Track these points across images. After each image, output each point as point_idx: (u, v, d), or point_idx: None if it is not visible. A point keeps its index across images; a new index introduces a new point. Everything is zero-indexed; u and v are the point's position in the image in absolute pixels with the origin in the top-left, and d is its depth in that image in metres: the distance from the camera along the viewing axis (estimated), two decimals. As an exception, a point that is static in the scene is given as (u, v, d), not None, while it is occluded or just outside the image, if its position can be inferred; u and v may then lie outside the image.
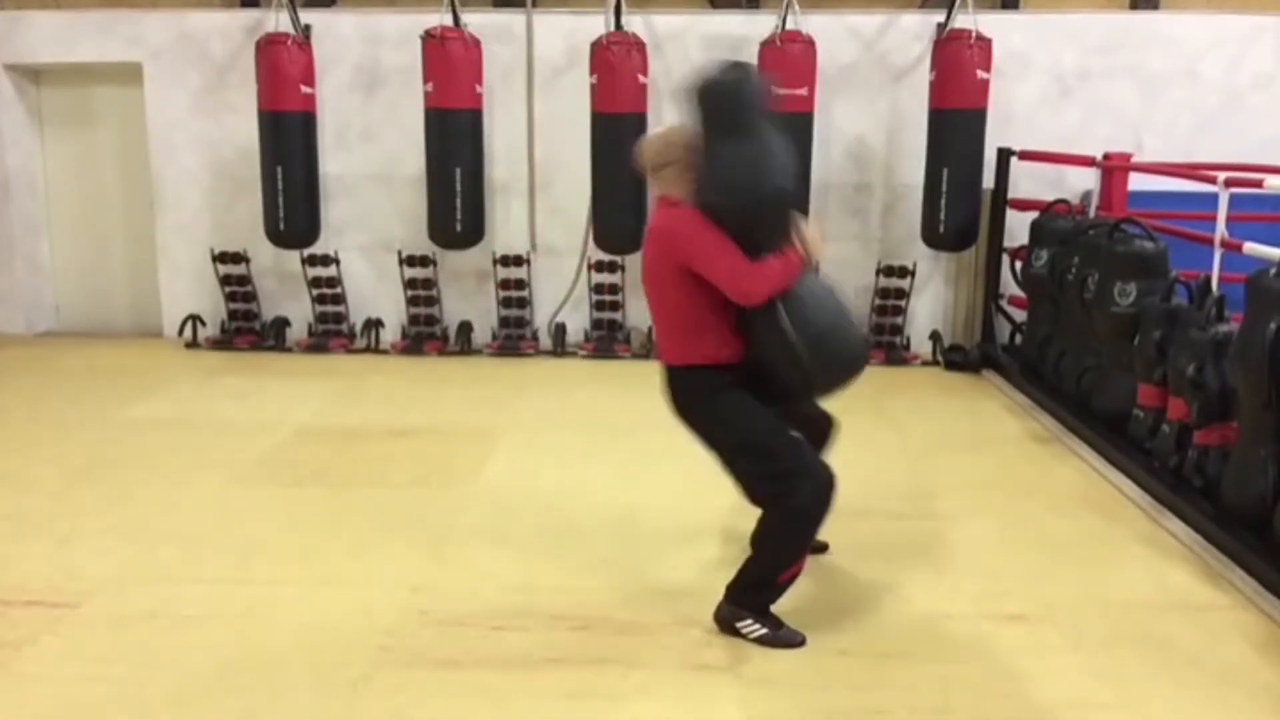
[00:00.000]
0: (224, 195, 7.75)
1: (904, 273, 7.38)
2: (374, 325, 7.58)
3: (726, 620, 3.42)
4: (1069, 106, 7.41)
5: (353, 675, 3.17)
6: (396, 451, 5.33)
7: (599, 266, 7.43)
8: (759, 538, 3.36)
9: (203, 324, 7.70)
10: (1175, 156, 7.04)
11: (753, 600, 3.39)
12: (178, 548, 4.09)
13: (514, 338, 7.55)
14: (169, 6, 7.57)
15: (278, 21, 7.12)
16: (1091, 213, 6.61)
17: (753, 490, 3.36)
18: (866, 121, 7.47)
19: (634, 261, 7.46)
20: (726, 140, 3.25)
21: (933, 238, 7.12)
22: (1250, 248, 4.56)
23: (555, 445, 5.44)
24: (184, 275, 7.84)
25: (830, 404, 3.75)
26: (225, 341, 7.62)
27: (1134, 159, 6.74)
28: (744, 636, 3.37)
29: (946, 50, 6.85)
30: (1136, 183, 6.67)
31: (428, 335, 7.58)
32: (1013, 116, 7.29)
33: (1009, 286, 7.16)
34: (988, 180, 7.11)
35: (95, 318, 8.20)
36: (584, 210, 7.38)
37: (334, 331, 7.64)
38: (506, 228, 7.68)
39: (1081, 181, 7.05)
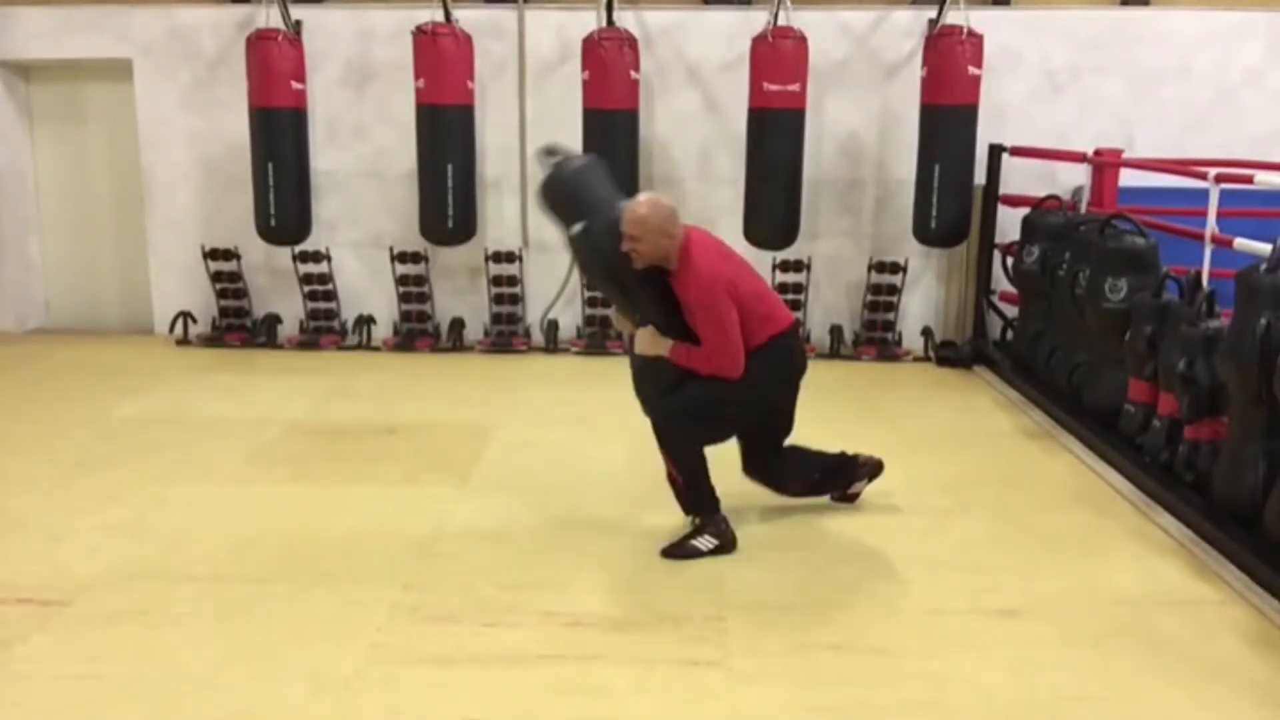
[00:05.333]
0: (215, 191, 7.73)
1: (896, 269, 7.40)
2: (365, 322, 7.57)
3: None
4: (1060, 102, 7.42)
5: (345, 672, 3.16)
6: (388, 448, 5.32)
7: (591, 263, 7.41)
8: None
9: (194, 320, 7.68)
10: (1166, 152, 7.06)
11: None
12: (169, 545, 4.08)
13: (506, 334, 7.55)
14: (159, 2, 7.53)
15: (268, 17, 7.10)
16: (1083, 209, 6.63)
17: None
18: (858, 117, 7.48)
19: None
20: None
21: (924, 234, 7.12)
22: (1240, 243, 4.57)
23: (547, 442, 5.43)
24: (174, 272, 7.82)
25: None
26: (216, 338, 7.60)
27: (1125, 155, 6.76)
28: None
29: (938, 46, 6.85)
30: (1127, 179, 6.69)
31: (419, 332, 7.57)
32: (1004, 112, 7.30)
33: (1000, 282, 7.17)
34: (979, 176, 7.12)
35: (86, 314, 8.17)
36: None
37: (325, 328, 7.62)
38: (498, 224, 7.67)
39: (1073, 177, 7.06)
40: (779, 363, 4.03)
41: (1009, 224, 7.04)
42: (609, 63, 6.85)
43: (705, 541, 3.99)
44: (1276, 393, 3.82)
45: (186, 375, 6.81)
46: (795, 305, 7.44)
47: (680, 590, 3.72)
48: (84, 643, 3.33)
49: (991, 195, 7.17)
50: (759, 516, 4.39)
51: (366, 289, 7.73)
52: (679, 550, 3.98)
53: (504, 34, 7.42)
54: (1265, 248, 4.19)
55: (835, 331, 7.47)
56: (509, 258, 7.50)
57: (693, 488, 4.04)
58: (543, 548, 4.11)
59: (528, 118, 7.51)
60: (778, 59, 6.76)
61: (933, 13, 7.04)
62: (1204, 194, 4.97)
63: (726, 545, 4.01)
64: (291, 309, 7.69)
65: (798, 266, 7.36)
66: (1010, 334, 7.08)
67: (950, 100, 6.84)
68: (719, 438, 4.10)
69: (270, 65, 7.02)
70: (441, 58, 6.91)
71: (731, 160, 7.35)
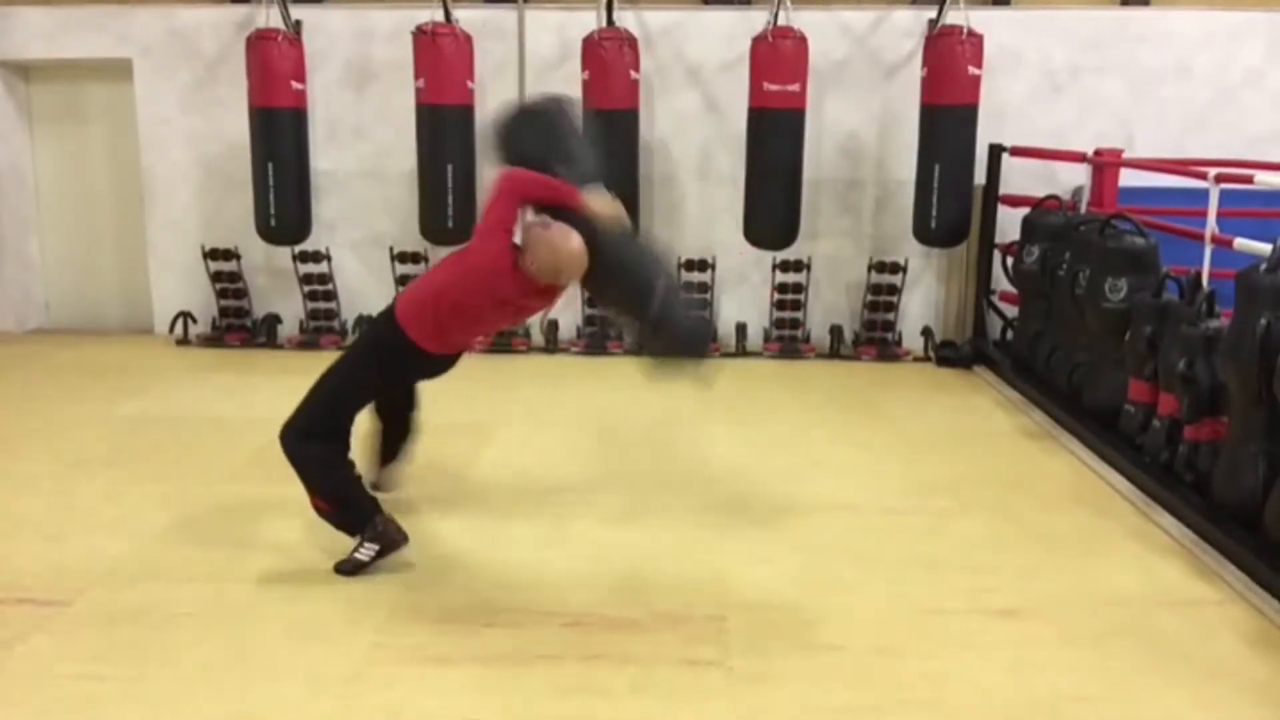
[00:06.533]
0: (214, 191, 7.73)
1: (896, 269, 7.40)
2: (366, 322, 7.56)
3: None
4: (1060, 102, 7.42)
5: (345, 672, 3.16)
6: (388, 448, 5.31)
7: (591, 263, 7.41)
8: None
9: (193, 321, 7.68)
10: (1166, 152, 7.06)
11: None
12: (169, 545, 4.08)
13: (506, 334, 7.53)
14: (159, 2, 7.54)
15: (268, 17, 7.10)
16: (1083, 208, 6.63)
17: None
18: (858, 117, 7.48)
19: (626, 258, 7.46)
20: None
21: (924, 234, 7.12)
22: (1240, 243, 4.57)
23: (547, 442, 5.43)
24: (174, 272, 7.82)
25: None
26: (216, 338, 7.60)
27: (1125, 155, 6.76)
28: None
29: (938, 46, 6.85)
30: (1127, 179, 6.68)
31: (420, 332, 7.55)
32: (1004, 112, 7.30)
33: (1000, 282, 7.17)
34: (979, 176, 7.12)
35: (85, 315, 8.17)
36: (576, 206, 7.37)
37: (325, 328, 7.62)
38: (498, 224, 7.65)
39: (1073, 177, 7.06)
40: (412, 363, 4.09)
41: (1009, 224, 7.04)
42: (609, 63, 6.85)
43: (365, 551, 3.78)
44: (1276, 393, 3.82)
45: (186, 375, 6.80)
46: (795, 305, 7.45)
47: (680, 590, 3.72)
48: (84, 643, 3.33)
49: (991, 195, 7.17)
50: (758, 517, 4.39)
51: (366, 289, 7.72)
52: (347, 565, 3.79)
53: (504, 34, 7.42)
54: (1265, 248, 4.20)
55: (835, 331, 7.47)
56: (509, 258, 7.48)
57: (344, 508, 3.83)
58: (542, 547, 4.11)
59: (528, 118, 7.50)
60: (778, 59, 6.76)
61: (933, 13, 7.03)
62: (1204, 194, 4.97)
63: (388, 545, 3.79)
64: (291, 309, 7.69)
65: (798, 266, 7.36)
66: (1010, 334, 7.08)
67: (950, 100, 6.84)
68: (349, 415, 4.03)
69: (270, 65, 7.02)
70: (441, 58, 6.91)
71: (731, 160, 7.35)
